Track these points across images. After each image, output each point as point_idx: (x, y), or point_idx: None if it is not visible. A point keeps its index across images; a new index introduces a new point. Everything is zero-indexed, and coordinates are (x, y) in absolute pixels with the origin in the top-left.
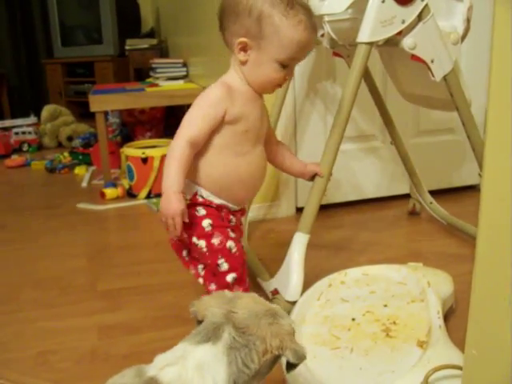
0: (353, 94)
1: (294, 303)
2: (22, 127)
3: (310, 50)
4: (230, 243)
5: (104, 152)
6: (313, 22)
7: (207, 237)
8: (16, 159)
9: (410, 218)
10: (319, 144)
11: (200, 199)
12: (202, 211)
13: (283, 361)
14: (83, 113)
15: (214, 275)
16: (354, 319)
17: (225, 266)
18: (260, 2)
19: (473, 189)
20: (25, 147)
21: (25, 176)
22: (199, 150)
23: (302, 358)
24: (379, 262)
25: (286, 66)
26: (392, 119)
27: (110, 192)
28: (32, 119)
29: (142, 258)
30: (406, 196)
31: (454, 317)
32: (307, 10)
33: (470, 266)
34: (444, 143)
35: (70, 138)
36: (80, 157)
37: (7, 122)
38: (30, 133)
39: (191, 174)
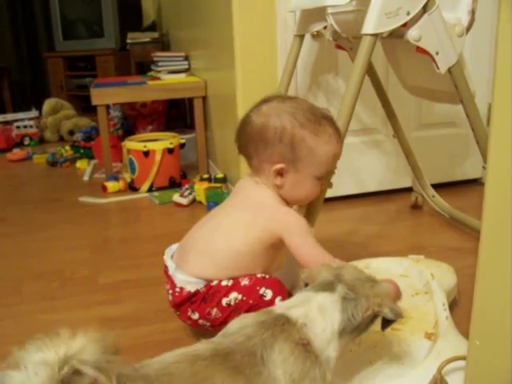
0: (357, 86)
1: None
2: (24, 121)
3: (339, 158)
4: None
5: (106, 145)
6: (337, 128)
7: (235, 285)
8: (17, 153)
9: (413, 212)
10: None
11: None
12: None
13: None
14: (84, 106)
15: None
16: None
17: (268, 293)
18: (289, 126)
19: (475, 182)
20: (26, 141)
21: (26, 169)
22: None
23: (398, 314)
24: (381, 256)
25: (322, 178)
26: (394, 112)
27: (111, 185)
28: (33, 113)
29: (144, 250)
30: (409, 189)
31: (457, 309)
32: (331, 120)
33: (472, 259)
34: (446, 136)
35: (71, 132)
36: (81, 150)
37: (9, 116)
38: (31, 126)
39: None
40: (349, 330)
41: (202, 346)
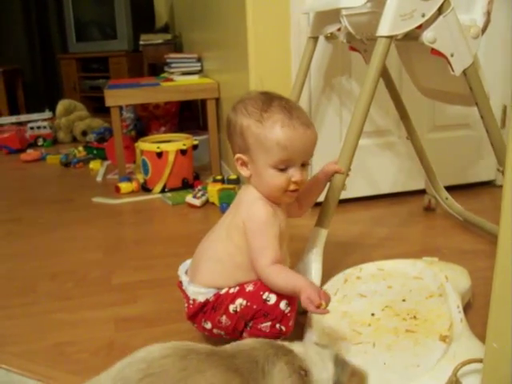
0: (372, 88)
1: None
2: (37, 122)
3: (300, 147)
4: None
5: (119, 146)
6: (296, 117)
7: (240, 291)
8: (31, 153)
9: (426, 214)
10: (335, 139)
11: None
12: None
13: None
14: (97, 107)
15: (266, 316)
16: (373, 314)
17: (272, 297)
18: (240, 117)
19: (489, 185)
20: (40, 142)
21: (40, 170)
22: (238, 258)
23: None
24: (394, 257)
25: (284, 169)
26: (408, 114)
27: (124, 186)
28: (47, 114)
29: (157, 251)
30: (422, 192)
31: (471, 312)
32: (286, 108)
33: (486, 262)
34: (460, 138)
35: (84, 133)
36: (94, 151)
37: (22, 117)
38: (44, 127)
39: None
40: None
41: (200, 345)
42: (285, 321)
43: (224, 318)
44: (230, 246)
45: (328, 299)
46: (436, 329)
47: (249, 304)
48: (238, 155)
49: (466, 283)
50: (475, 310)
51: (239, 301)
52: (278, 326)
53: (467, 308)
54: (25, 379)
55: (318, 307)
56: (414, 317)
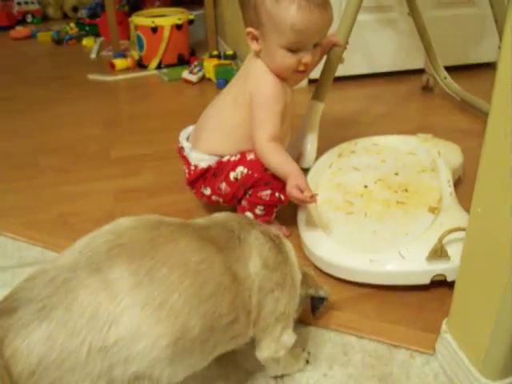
0: None
1: (307, 170)
2: None
3: (315, 30)
4: None
5: (112, 22)
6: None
7: (242, 160)
8: (21, 30)
9: (423, 93)
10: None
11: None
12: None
13: None
14: None
15: (267, 184)
16: (366, 186)
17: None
18: None
19: (489, 66)
20: (29, 18)
21: (32, 47)
22: (243, 129)
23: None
24: (389, 134)
25: (295, 51)
26: None
27: (119, 63)
28: None
29: (154, 126)
30: (421, 71)
31: (461, 187)
32: None
33: (479, 141)
34: (463, 17)
35: (75, 9)
36: (87, 28)
37: None
38: (32, 3)
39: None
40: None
41: (172, 218)
42: (284, 190)
43: (224, 184)
44: (235, 116)
45: (314, 195)
46: (426, 201)
47: (250, 172)
48: (249, 29)
49: (458, 159)
50: (465, 185)
51: (240, 168)
52: (277, 194)
53: (458, 183)
54: (31, 246)
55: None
56: (406, 189)
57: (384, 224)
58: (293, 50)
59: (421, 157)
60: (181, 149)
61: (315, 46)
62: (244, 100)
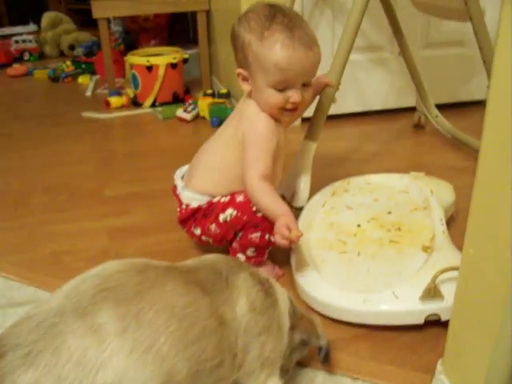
0: (364, 2)
1: (300, 209)
2: (22, 35)
3: (300, 69)
4: None
5: (108, 60)
6: (298, 37)
7: (231, 201)
8: (18, 68)
9: (415, 131)
10: (327, 53)
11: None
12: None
13: None
14: (84, 20)
15: (255, 227)
16: (359, 225)
17: None
18: (242, 31)
19: (480, 104)
20: (26, 56)
21: (28, 85)
22: (235, 169)
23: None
24: (382, 172)
25: (283, 89)
26: (401, 29)
27: (114, 100)
28: (32, 27)
29: (148, 164)
30: (412, 109)
31: (454, 225)
32: (288, 27)
33: (471, 179)
34: (453, 56)
35: (71, 47)
36: (83, 66)
37: (6, 30)
38: (30, 41)
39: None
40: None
41: (159, 261)
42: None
43: (213, 226)
44: (228, 156)
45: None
46: (419, 240)
47: (239, 214)
48: (239, 70)
49: (450, 197)
50: (458, 223)
51: (229, 211)
52: (267, 236)
53: (450, 221)
54: (24, 286)
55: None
56: (399, 228)
57: (377, 263)
58: (280, 88)
59: (413, 195)
60: (175, 187)
61: (305, 85)
62: (237, 140)
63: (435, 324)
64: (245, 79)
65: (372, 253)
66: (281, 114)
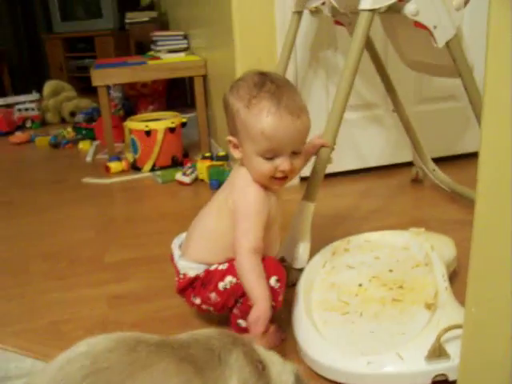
0: (355, 62)
1: (301, 270)
2: (25, 104)
3: (287, 137)
4: None
5: (107, 126)
6: (285, 105)
7: (229, 269)
8: (20, 136)
9: (413, 186)
10: (322, 113)
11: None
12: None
13: None
14: (85, 88)
15: None
16: (360, 285)
17: None
18: (231, 99)
19: (476, 156)
20: (28, 123)
21: (29, 152)
22: (229, 238)
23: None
24: (382, 229)
25: (271, 158)
26: (394, 87)
27: (114, 166)
28: (34, 96)
29: (148, 229)
30: (409, 164)
31: (457, 281)
32: (275, 95)
33: (472, 232)
34: (446, 110)
35: (72, 114)
36: (83, 132)
37: (9, 99)
38: (32, 109)
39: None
40: None
41: (150, 335)
42: (275, 296)
43: (213, 294)
44: (220, 224)
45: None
46: (421, 297)
47: (239, 281)
48: (229, 137)
49: (451, 252)
50: (460, 278)
51: (229, 278)
52: None
53: (453, 277)
54: (22, 357)
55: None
56: (401, 286)
57: (380, 323)
58: (268, 157)
59: (414, 252)
60: (172, 256)
61: (295, 152)
62: (228, 208)
63: None
64: (235, 147)
65: (374, 313)
66: (271, 183)
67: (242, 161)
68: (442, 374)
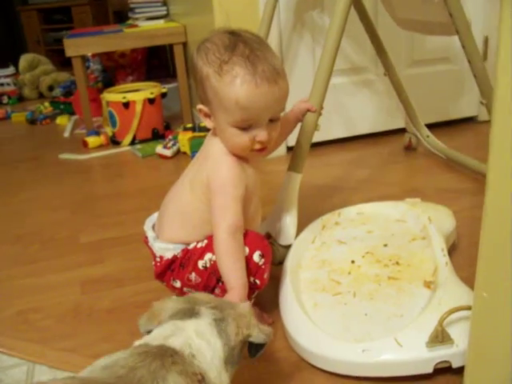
0: (342, 20)
1: (288, 247)
2: (0, 79)
3: (264, 105)
4: None
5: (84, 99)
6: (261, 70)
7: (208, 246)
8: None
9: (407, 154)
10: (308, 78)
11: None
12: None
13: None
14: (64, 61)
15: None
16: (353, 262)
17: (245, 249)
18: (200, 62)
19: (471, 121)
20: (4, 99)
21: (5, 129)
22: (205, 214)
23: (268, 336)
24: (375, 200)
25: (247, 128)
26: (385, 49)
27: (92, 140)
28: (10, 70)
29: (127, 206)
30: (402, 131)
31: (457, 254)
32: (249, 59)
33: (471, 201)
34: (440, 73)
35: (50, 88)
36: (61, 106)
37: None
38: (8, 84)
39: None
40: (229, 360)
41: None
42: (259, 274)
43: (193, 275)
44: (195, 200)
45: None
46: (420, 274)
47: None
48: (199, 106)
49: (450, 224)
50: (461, 251)
51: (208, 255)
52: (252, 279)
53: (452, 250)
54: None
55: None
56: (397, 262)
57: (376, 305)
58: (244, 127)
59: (410, 224)
60: (146, 238)
61: (272, 120)
62: (202, 183)
63: (447, 371)
64: (207, 116)
65: (369, 293)
66: (248, 155)
67: (214, 130)
68: (445, 361)
